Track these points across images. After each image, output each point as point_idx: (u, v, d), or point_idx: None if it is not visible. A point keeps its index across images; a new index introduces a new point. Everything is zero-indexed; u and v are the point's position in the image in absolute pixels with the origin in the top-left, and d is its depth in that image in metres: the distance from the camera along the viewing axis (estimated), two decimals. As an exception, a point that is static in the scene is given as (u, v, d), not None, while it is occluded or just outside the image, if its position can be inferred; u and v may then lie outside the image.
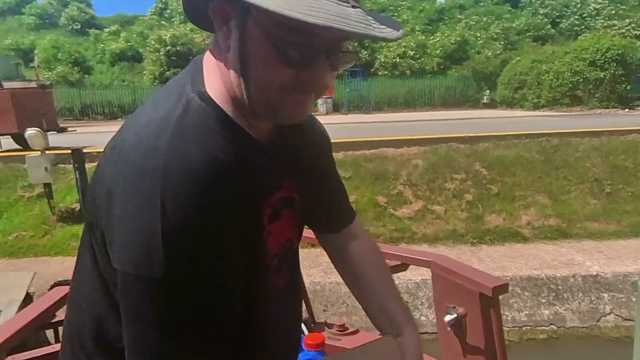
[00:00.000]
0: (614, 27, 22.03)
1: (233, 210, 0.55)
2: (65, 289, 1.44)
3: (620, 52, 15.90)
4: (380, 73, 23.03)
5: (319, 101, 17.48)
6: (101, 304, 0.62)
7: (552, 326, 4.27)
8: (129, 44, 27.39)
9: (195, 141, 0.54)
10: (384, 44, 20.69)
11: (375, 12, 0.55)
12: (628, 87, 16.20)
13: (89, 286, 0.63)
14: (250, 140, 0.62)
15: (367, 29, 0.50)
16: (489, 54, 22.39)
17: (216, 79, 0.61)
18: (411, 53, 22.86)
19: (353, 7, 0.51)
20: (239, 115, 0.61)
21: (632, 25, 21.76)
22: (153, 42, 23.46)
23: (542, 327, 4.26)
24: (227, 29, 0.57)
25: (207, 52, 0.64)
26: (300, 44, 0.53)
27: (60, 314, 1.43)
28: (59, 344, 0.81)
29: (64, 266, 4.76)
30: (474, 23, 26.35)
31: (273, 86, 0.56)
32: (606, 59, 15.97)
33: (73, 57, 24.71)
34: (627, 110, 14.96)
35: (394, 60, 22.87)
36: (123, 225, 0.52)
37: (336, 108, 20.20)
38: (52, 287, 1.75)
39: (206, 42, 22.40)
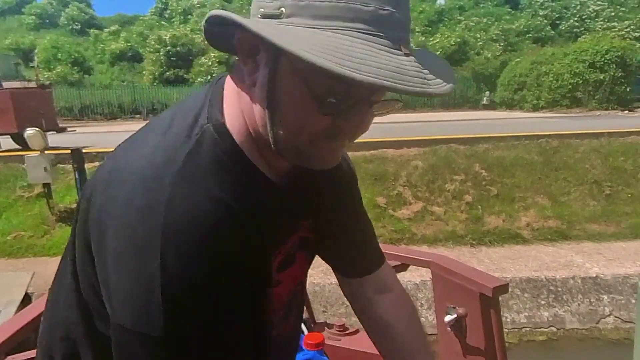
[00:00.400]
0: (613, 29, 22.07)
1: (240, 262, 0.51)
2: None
3: (619, 53, 15.93)
4: (380, 74, 23.04)
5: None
6: (77, 328, 0.58)
7: (552, 328, 4.26)
8: (129, 44, 27.42)
9: (203, 185, 0.49)
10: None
11: (424, 52, 0.49)
12: (627, 89, 16.23)
13: (66, 304, 0.59)
14: (264, 182, 0.57)
15: (423, 85, 0.44)
16: (489, 55, 22.45)
17: (236, 109, 0.55)
18: (411, 54, 22.93)
19: (406, 55, 0.45)
20: (255, 152, 0.56)
21: (632, 27, 21.78)
22: (153, 42, 23.53)
23: (542, 329, 4.25)
24: (254, 63, 0.51)
25: (229, 78, 0.59)
26: (340, 93, 0.48)
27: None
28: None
29: (63, 266, 4.74)
30: (473, 24, 26.40)
31: (305, 132, 0.51)
32: (606, 61, 15.99)
33: (73, 57, 24.71)
34: (626, 111, 14.97)
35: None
36: (118, 274, 0.47)
37: (336, 109, 20.18)
38: (51, 286, 1.74)
39: (206, 42, 22.36)
